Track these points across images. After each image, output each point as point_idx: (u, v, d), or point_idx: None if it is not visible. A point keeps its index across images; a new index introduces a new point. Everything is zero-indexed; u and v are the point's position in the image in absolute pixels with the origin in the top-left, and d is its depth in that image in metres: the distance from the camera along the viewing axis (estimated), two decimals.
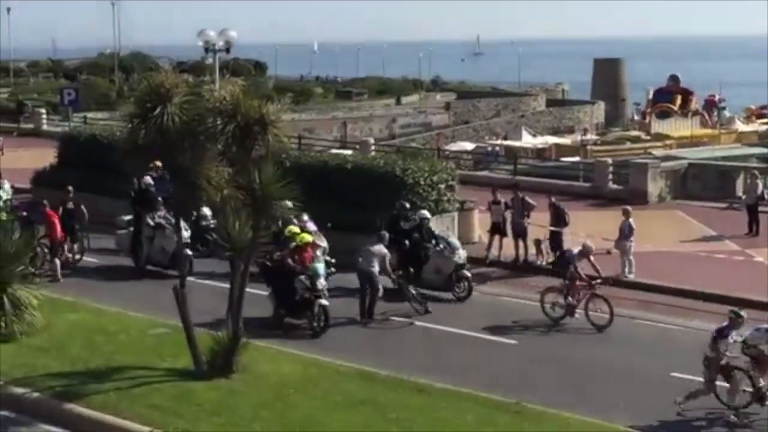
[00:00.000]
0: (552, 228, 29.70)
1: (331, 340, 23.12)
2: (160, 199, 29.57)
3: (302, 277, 23.86)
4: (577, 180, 43.91)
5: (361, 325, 24.48)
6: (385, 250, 25.11)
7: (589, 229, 31.34)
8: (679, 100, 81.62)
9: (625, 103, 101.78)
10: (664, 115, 78.48)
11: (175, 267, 26.36)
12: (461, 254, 27.19)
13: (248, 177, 18.92)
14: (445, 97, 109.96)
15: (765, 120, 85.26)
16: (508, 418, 17.71)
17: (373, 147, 46.49)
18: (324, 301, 23.68)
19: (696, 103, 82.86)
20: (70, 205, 29.91)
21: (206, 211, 29.60)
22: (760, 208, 34.33)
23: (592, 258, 24.89)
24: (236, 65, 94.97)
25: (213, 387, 18.82)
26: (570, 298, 24.53)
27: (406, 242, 27.26)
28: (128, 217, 30.52)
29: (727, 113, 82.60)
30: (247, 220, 19.46)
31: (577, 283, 24.56)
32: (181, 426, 17.03)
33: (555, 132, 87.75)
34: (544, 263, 29.72)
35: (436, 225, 31.01)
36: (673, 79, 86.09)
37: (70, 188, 30.33)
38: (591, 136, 75.50)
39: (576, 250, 25.17)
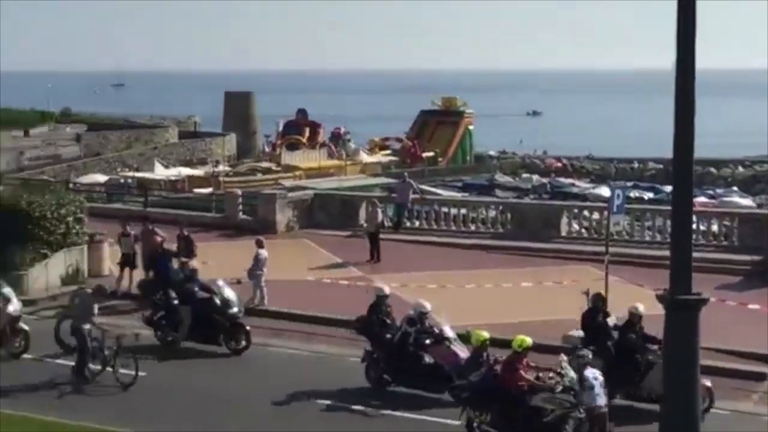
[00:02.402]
0: (183, 259, 30.04)
1: None
2: None
3: None
4: (209, 211, 44.46)
5: None
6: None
7: (220, 258, 31.97)
8: (307, 132, 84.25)
9: (256, 136, 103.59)
10: (293, 146, 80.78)
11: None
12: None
13: None
14: (75, 129, 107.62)
15: (387, 151, 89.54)
16: None
17: None
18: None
19: (323, 136, 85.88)
20: None
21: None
22: (381, 236, 36.20)
23: None
24: None
25: None
26: None
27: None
28: None
29: (352, 145, 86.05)
30: None
31: None
32: None
33: (188, 164, 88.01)
34: None
35: (65, 259, 30.72)
36: (302, 112, 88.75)
37: None
38: (223, 168, 76.40)
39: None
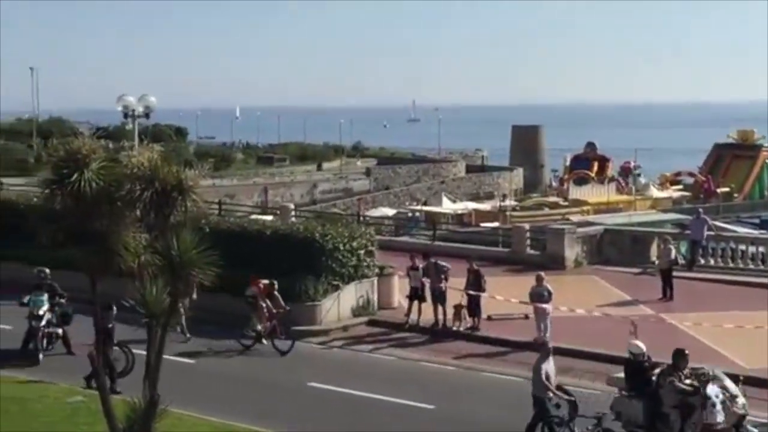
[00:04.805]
0: (470, 292, 29.96)
1: (249, 406, 23.00)
2: None
3: None
4: (496, 245, 44.35)
5: (277, 390, 24.31)
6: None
7: (506, 293, 31.67)
8: (596, 166, 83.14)
9: (544, 169, 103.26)
10: (581, 181, 79.84)
11: None
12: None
13: (166, 243, 18.88)
14: (365, 163, 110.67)
15: (679, 186, 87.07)
16: None
17: (293, 212, 46.55)
18: None
19: (612, 170, 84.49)
20: None
21: None
22: (674, 273, 34.95)
23: None
24: (156, 130, 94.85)
25: None
26: None
27: None
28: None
29: (642, 179, 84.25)
30: (164, 286, 19.40)
31: None
32: None
33: (475, 198, 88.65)
34: (462, 328, 29.99)
35: (356, 290, 31.29)
36: (590, 145, 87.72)
37: None
38: (510, 202, 76.40)
39: None
